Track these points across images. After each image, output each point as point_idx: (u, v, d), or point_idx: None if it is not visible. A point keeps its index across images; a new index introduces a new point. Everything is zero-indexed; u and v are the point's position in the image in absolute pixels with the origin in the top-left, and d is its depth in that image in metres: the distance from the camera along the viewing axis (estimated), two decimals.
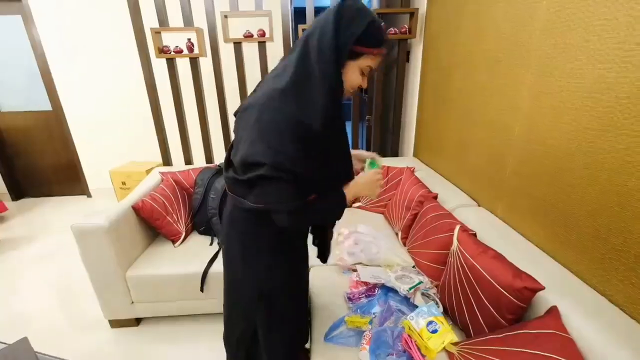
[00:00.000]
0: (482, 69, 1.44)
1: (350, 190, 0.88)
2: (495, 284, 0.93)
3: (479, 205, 1.54)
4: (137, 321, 1.71)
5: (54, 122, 3.26)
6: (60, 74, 3.06)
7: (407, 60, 2.38)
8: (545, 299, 0.89)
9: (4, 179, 3.38)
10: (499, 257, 1.01)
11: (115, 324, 1.69)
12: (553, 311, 0.82)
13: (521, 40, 1.18)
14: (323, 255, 1.14)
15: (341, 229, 1.66)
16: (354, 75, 0.77)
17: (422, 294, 1.21)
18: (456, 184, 1.77)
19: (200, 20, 2.14)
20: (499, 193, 1.37)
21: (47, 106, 3.21)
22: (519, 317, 0.91)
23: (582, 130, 0.94)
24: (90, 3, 2.84)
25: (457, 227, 1.20)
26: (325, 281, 1.41)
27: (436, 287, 1.26)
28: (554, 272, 1.00)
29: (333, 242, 1.63)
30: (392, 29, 2.16)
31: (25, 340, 0.98)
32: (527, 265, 0.97)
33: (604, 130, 0.87)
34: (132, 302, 1.61)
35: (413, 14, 2.11)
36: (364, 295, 1.25)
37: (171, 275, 1.55)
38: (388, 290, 1.26)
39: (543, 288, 0.87)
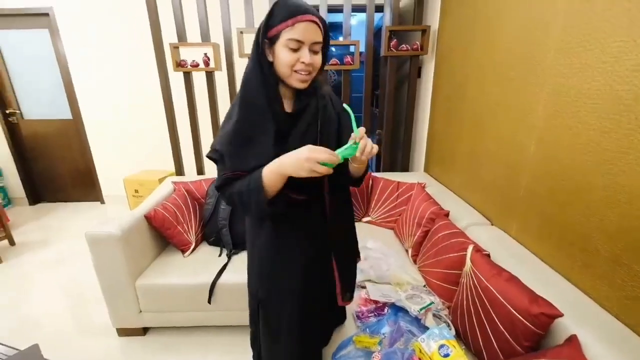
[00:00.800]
0: (495, 86, 1.44)
1: (271, 166, 0.77)
2: (511, 309, 0.90)
3: (491, 224, 1.51)
4: (144, 330, 1.71)
5: (73, 130, 3.37)
6: (81, 84, 3.18)
7: (419, 75, 2.39)
8: (564, 326, 0.85)
9: (22, 184, 3.48)
10: (514, 280, 0.98)
11: (123, 332, 1.69)
12: (573, 340, 0.78)
13: (535, 59, 1.17)
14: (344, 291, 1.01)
15: None
16: (281, 54, 0.76)
17: (434, 315, 1.18)
18: (468, 200, 1.74)
19: (216, 35, 2.21)
20: (512, 212, 1.34)
21: (67, 115, 3.33)
22: (536, 345, 0.87)
23: (601, 151, 0.92)
24: (113, 19, 2.97)
25: (471, 247, 1.18)
26: None
27: (448, 308, 1.23)
28: (572, 297, 0.96)
29: None
30: (404, 45, 2.19)
31: (36, 347, 0.99)
32: (543, 289, 0.94)
33: (624, 152, 0.85)
34: (140, 311, 1.61)
35: (425, 31, 2.13)
36: (373, 314, 1.23)
37: (180, 285, 1.56)
38: (398, 309, 1.23)
39: (561, 315, 0.84)
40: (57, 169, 3.54)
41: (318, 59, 0.80)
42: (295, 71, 0.78)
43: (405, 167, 2.48)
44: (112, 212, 3.40)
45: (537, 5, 1.17)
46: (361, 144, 0.72)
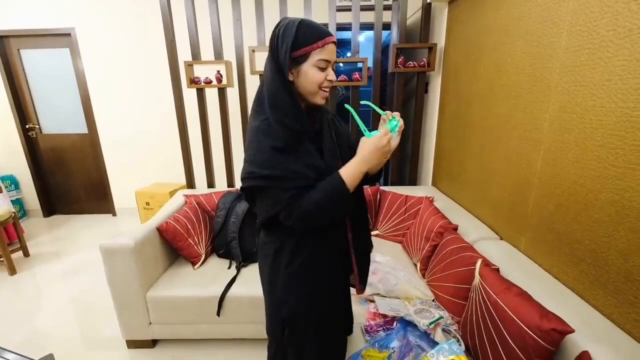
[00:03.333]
0: (502, 102, 1.46)
1: (349, 168, 0.82)
2: (521, 324, 0.90)
3: (500, 239, 1.50)
4: (154, 343, 1.72)
5: (88, 144, 3.48)
6: (98, 100, 3.31)
7: (426, 91, 2.43)
8: (575, 343, 0.84)
9: (38, 196, 3.58)
10: (524, 295, 0.98)
11: (132, 344, 1.71)
12: (584, 357, 0.78)
13: (541, 77, 1.20)
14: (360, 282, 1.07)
15: None
16: (310, 73, 0.80)
17: (443, 329, 1.17)
18: (476, 215, 1.74)
19: (229, 54, 2.30)
20: (522, 226, 1.34)
21: (84, 129, 3.44)
22: None
23: (608, 167, 0.93)
24: (130, 38, 3.12)
25: (479, 261, 1.18)
26: None
27: (457, 323, 1.22)
28: (583, 313, 0.96)
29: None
30: (411, 62, 2.24)
31: (50, 357, 1.02)
32: (554, 305, 0.93)
33: (631, 168, 0.86)
34: (150, 323, 1.63)
35: (432, 49, 2.18)
36: (382, 328, 1.22)
37: (189, 298, 1.57)
38: (407, 324, 1.22)
39: (572, 331, 0.83)
40: (71, 182, 3.64)
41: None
42: (322, 89, 0.84)
43: (413, 181, 2.50)
44: (124, 224, 3.46)
45: (542, 26, 1.20)
46: (396, 115, 0.85)
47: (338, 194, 0.81)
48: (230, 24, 2.23)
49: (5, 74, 3.23)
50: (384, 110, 0.88)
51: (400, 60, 2.23)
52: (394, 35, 2.34)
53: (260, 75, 2.27)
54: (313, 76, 0.80)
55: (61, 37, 3.18)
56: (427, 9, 2.21)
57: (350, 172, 0.82)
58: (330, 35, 0.80)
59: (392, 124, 0.84)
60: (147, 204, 3.12)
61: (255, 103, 0.87)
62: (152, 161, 3.48)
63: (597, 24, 0.96)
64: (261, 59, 2.36)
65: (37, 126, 3.44)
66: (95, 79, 3.25)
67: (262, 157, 0.81)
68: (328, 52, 0.80)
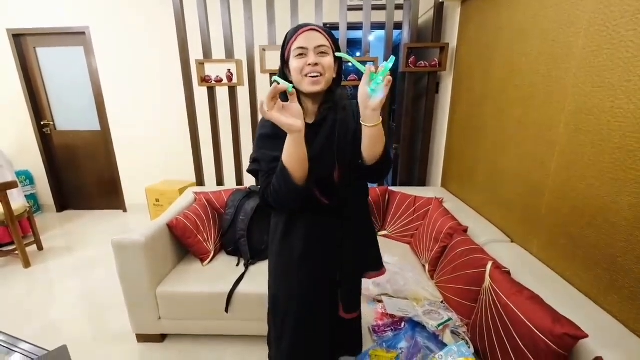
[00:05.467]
0: (516, 102, 1.44)
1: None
2: (533, 328, 0.89)
3: (512, 241, 1.48)
4: (163, 337, 1.74)
5: (101, 141, 3.54)
6: (110, 98, 3.37)
7: (437, 91, 2.41)
8: (589, 348, 0.83)
9: (52, 192, 3.66)
10: (536, 299, 0.96)
11: (141, 338, 1.73)
12: None
13: (557, 77, 1.18)
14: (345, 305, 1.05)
15: None
16: (293, 64, 0.86)
17: (452, 331, 1.16)
18: (487, 217, 1.72)
19: (240, 52, 2.31)
20: (534, 229, 1.32)
21: (96, 126, 3.51)
22: None
23: (626, 170, 0.91)
24: (143, 37, 3.16)
25: (490, 264, 1.17)
26: None
27: (466, 325, 1.21)
28: (597, 318, 0.94)
29: None
30: (422, 62, 2.22)
31: (64, 348, 1.04)
32: (567, 309, 0.91)
33: None
34: (160, 318, 1.65)
35: (443, 48, 2.16)
36: (390, 329, 1.22)
37: (198, 294, 1.59)
38: (415, 325, 1.22)
39: (586, 336, 0.82)
40: (84, 178, 3.71)
41: (326, 60, 0.85)
42: (306, 75, 0.85)
43: (422, 182, 2.48)
44: (134, 220, 3.51)
45: (558, 25, 1.18)
46: (379, 70, 0.73)
47: (281, 172, 0.82)
48: (241, 23, 2.25)
49: (22, 72, 3.31)
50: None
51: (411, 59, 2.21)
52: (405, 34, 2.32)
53: (270, 73, 2.29)
54: (293, 65, 0.86)
55: (76, 36, 3.24)
56: (439, 9, 2.19)
57: (286, 146, 0.80)
58: (306, 26, 0.85)
59: (375, 81, 0.73)
60: (157, 200, 3.16)
61: None
62: (162, 158, 3.52)
63: (617, 23, 0.93)
64: (271, 57, 2.38)
65: (51, 123, 3.52)
66: (108, 77, 3.31)
67: (255, 143, 0.93)
68: (301, 39, 0.84)
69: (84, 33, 3.19)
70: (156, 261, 1.63)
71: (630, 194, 0.90)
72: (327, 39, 0.86)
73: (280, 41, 2.46)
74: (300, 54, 0.84)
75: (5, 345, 1.12)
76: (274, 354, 1.15)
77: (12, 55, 3.26)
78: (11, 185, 2.42)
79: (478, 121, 1.81)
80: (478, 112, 1.81)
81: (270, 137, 0.88)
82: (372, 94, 0.75)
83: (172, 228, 1.74)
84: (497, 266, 1.16)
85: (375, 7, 2.27)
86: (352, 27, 2.57)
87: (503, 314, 0.99)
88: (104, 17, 3.13)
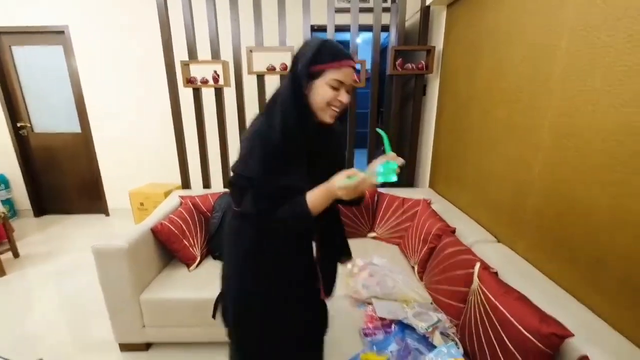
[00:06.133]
0: (501, 105, 1.47)
1: (316, 193, 0.86)
2: (521, 328, 0.89)
3: (498, 241, 1.50)
4: (147, 346, 1.68)
5: (81, 143, 3.42)
6: (91, 99, 3.26)
7: (424, 94, 2.44)
8: (575, 347, 0.84)
9: (29, 196, 3.51)
10: (523, 299, 0.98)
11: (125, 347, 1.67)
12: None
13: (542, 81, 1.20)
14: (327, 287, 1.07)
15: (356, 260, 1.64)
16: (322, 90, 0.83)
17: (441, 333, 1.16)
18: (474, 217, 1.75)
19: (226, 53, 2.27)
20: (520, 230, 1.34)
21: (77, 128, 3.39)
22: None
23: (608, 173, 0.93)
24: (125, 36, 3.08)
25: (478, 265, 1.18)
26: (339, 314, 1.38)
27: (456, 326, 1.22)
28: (583, 317, 0.96)
29: (347, 274, 1.61)
30: (409, 64, 2.24)
31: None
32: (553, 309, 0.93)
33: (632, 173, 0.86)
34: (144, 326, 1.60)
35: (430, 51, 2.19)
36: (380, 331, 1.21)
37: (184, 300, 1.55)
38: (405, 327, 1.22)
39: (572, 335, 0.83)
40: (64, 181, 3.58)
41: (349, 99, 0.88)
42: (331, 107, 0.86)
43: (410, 183, 2.50)
44: (117, 224, 3.40)
45: (542, 30, 1.21)
46: (397, 161, 0.80)
47: (301, 217, 0.86)
48: (227, 23, 2.21)
49: None
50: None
51: (398, 62, 2.23)
52: (392, 37, 2.34)
53: (257, 75, 2.26)
54: (324, 93, 0.83)
55: (54, 35, 3.12)
56: (425, 12, 2.21)
57: (316, 198, 0.85)
58: (350, 59, 0.83)
59: (386, 167, 0.79)
60: (142, 204, 3.08)
61: (266, 105, 0.91)
62: (146, 161, 3.43)
63: (599, 28, 0.96)
64: (258, 59, 2.36)
65: (28, 125, 3.38)
66: (89, 78, 3.20)
67: (252, 161, 0.85)
68: (343, 74, 0.82)
69: (63, 32, 3.09)
70: (140, 267, 1.58)
71: (611, 195, 0.92)
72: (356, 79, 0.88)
73: (268, 42, 2.45)
74: (336, 87, 0.83)
75: None
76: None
77: None
78: None
79: (464, 123, 1.83)
80: (464, 114, 1.84)
81: (273, 160, 0.85)
82: (381, 177, 0.79)
83: (157, 233, 1.69)
84: (485, 267, 1.17)
85: (363, 10, 2.28)
86: (339, 29, 2.57)
87: (491, 314, 1.00)
88: (84, 15, 3.04)
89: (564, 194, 1.10)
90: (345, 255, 1.12)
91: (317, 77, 0.83)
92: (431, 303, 1.37)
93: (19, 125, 3.35)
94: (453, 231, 1.56)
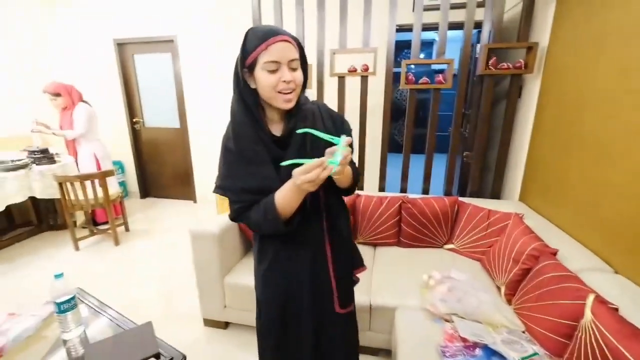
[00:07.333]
0: (630, 110, 1.23)
1: (283, 191, 0.80)
2: None
3: (615, 272, 1.26)
4: (226, 325, 1.84)
5: (180, 137, 3.92)
6: (190, 98, 3.70)
7: (519, 95, 2.19)
8: None
9: (137, 180, 4.16)
10: None
11: (208, 323, 1.86)
12: None
13: None
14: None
15: (432, 272, 1.55)
16: (262, 79, 0.79)
17: None
18: (580, 239, 1.50)
19: (310, 56, 2.35)
20: None
21: (177, 124, 3.89)
22: None
23: None
24: (223, 43, 3.42)
25: (592, 296, 1.00)
26: (413, 327, 1.32)
27: None
28: None
29: (422, 285, 1.53)
30: (504, 63, 2.03)
31: (149, 324, 1.14)
32: None
33: None
34: (225, 306, 1.75)
35: (531, 48, 1.95)
36: (461, 353, 1.12)
37: None
38: (492, 353, 1.10)
39: None
40: (163, 170, 4.15)
41: (298, 75, 0.81)
42: (279, 92, 0.80)
43: (496, 194, 2.26)
44: (203, 211, 3.81)
45: None
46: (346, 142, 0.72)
47: (272, 218, 0.81)
48: (314, 27, 2.29)
49: (122, 76, 3.82)
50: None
51: (491, 61, 2.03)
52: (484, 34, 2.14)
53: (339, 77, 2.29)
54: (263, 80, 0.79)
55: (165, 43, 3.63)
56: (528, 4, 1.97)
57: (284, 195, 0.80)
58: (277, 34, 0.76)
59: (336, 155, 0.71)
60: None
61: None
62: None
63: None
64: (340, 61, 2.39)
65: (141, 120, 3.99)
66: (189, 80, 3.65)
67: (221, 167, 0.88)
68: (274, 52, 0.76)
69: (172, 41, 3.56)
70: (226, 252, 1.73)
71: None
72: (297, 51, 0.80)
73: (350, 44, 2.47)
74: (273, 70, 0.77)
75: (96, 309, 1.28)
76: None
77: (115, 62, 3.77)
78: (110, 173, 2.79)
79: (574, 129, 1.59)
80: (574, 119, 1.59)
81: (236, 160, 0.85)
82: (332, 164, 0.72)
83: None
84: (601, 300, 0.99)
85: (454, 6, 2.14)
86: (427, 28, 2.45)
87: (612, 359, 0.84)
88: (190, 26, 3.46)
89: None
90: (358, 261, 1.09)
91: (254, 67, 0.79)
92: (523, 332, 1.21)
93: (134, 120, 3.98)
94: (554, 253, 1.36)
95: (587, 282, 1.15)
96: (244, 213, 0.87)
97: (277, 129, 0.89)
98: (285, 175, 0.80)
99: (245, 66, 0.80)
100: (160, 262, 2.61)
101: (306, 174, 0.70)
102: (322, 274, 0.96)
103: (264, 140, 0.85)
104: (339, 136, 0.73)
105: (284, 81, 0.78)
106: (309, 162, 0.71)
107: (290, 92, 0.81)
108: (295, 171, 0.72)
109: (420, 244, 1.95)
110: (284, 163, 0.75)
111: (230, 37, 3.35)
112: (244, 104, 0.84)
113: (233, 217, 0.90)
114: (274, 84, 0.78)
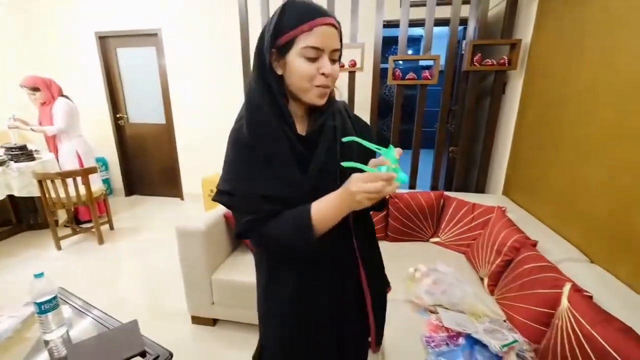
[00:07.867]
0: (609, 106, 1.27)
1: (324, 203, 0.64)
2: None
3: (591, 262, 1.31)
4: (214, 322, 1.84)
5: (165, 133, 3.84)
6: (176, 94, 3.64)
7: (503, 91, 2.23)
8: None
9: (122, 177, 4.07)
10: (629, 332, 0.84)
11: (195, 320, 1.84)
12: None
13: None
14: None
15: (419, 265, 1.58)
16: (296, 64, 0.63)
17: (518, 355, 1.06)
18: (559, 232, 1.55)
19: None
20: (624, 250, 1.16)
21: (162, 120, 3.81)
22: None
23: None
24: (208, 38, 3.36)
25: (568, 285, 1.04)
26: (398, 319, 1.34)
27: (534, 350, 1.10)
28: None
29: (409, 278, 1.56)
30: (489, 60, 2.07)
31: (135, 323, 1.13)
32: None
33: None
34: (213, 303, 1.74)
35: (515, 45, 1.99)
36: (445, 343, 1.15)
37: (249, 283, 1.64)
38: (474, 342, 1.13)
39: None
40: (149, 166, 4.06)
41: (337, 68, 0.67)
42: (315, 85, 0.65)
43: (480, 189, 2.32)
44: (190, 208, 3.76)
45: None
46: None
47: (303, 230, 0.64)
48: None
49: (104, 70, 3.71)
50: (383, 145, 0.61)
51: (476, 57, 2.07)
52: (470, 30, 2.17)
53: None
54: (299, 68, 0.63)
55: (149, 37, 3.54)
56: (512, 1, 2.01)
57: (325, 209, 0.63)
58: (324, 15, 0.62)
59: (399, 171, 0.57)
60: (212, 191, 3.34)
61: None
62: (219, 151, 3.70)
63: None
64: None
65: (125, 116, 3.90)
66: (174, 75, 3.57)
67: (227, 169, 0.69)
68: (318, 37, 0.61)
69: (156, 34, 3.48)
70: (213, 249, 1.72)
71: None
72: (341, 42, 0.68)
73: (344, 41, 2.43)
74: (313, 58, 0.63)
75: (80, 309, 1.26)
76: None
77: (97, 56, 3.66)
78: (93, 170, 2.72)
79: (555, 125, 1.63)
80: (555, 115, 1.64)
81: (250, 162, 0.66)
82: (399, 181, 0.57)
83: (229, 218, 1.82)
84: (577, 289, 1.04)
85: (441, 3, 2.16)
86: (413, 24, 2.47)
87: (586, 345, 0.88)
88: (174, 19, 3.39)
89: None
90: (386, 282, 0.92)
91: (287, 50, 0.63)
92: (505, 321, 1.25)
93: (118, 116, 3.88)
94: (534, 244, 1.41)
95: (565, 272, 1.19)
96: (259, 227, 0.67)
97: (301, 128, 0.73)
98: (314, 171, 0.67)
99: (275, 46, 0.64)
100: (146, 261, 2.57)
101: (371, 182, 0.55)
102: (361, 312, 0.80)
103: (289, 137, 0.68)
104: (385, 146, 0.60)
105: (323, 73, 0.64)
106: (375, 171, 0.57)
107: (326, 87, 0.67)
108: (356, 177, 0.58)
109: (407, 237, 1.98)
110: (346, 164, 0.58)
111: (217, 32, 3.29)
112: (267, 91, 0.67)
113: (241, 232, 0.70)
114: (311, 74, 0.64)
